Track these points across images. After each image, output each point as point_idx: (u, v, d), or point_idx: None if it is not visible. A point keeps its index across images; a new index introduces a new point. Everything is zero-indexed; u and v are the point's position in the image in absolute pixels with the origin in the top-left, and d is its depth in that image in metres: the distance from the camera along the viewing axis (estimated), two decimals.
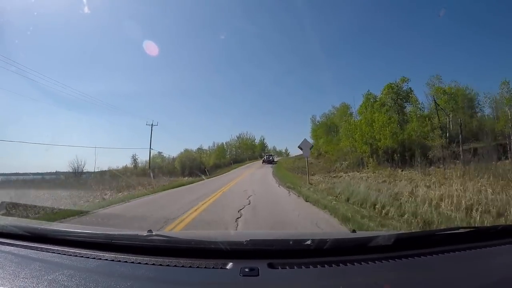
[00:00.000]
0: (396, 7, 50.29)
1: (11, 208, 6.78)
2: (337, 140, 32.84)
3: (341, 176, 18.71)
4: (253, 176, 20.96)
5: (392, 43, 55.25)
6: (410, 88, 27.50)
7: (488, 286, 0.99)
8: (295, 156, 47.06)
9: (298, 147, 15.78)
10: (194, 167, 32.66)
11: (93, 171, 26.27)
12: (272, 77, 78.30)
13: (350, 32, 57.10)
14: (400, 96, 27.45)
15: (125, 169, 31.97)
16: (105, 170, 26.73)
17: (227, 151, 57.01)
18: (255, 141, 65.97)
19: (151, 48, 44.85)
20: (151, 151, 33.40)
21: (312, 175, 21.15)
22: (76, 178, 22.90)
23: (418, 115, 26.12)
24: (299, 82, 76.89)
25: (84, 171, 25.45)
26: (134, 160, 35.23)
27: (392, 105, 27.16)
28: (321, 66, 62.27)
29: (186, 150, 39.42)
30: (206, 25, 63.29)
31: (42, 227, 1.72)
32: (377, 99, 28.28)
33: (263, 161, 38.95)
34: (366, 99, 29.17)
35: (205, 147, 52.26)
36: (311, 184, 14.06)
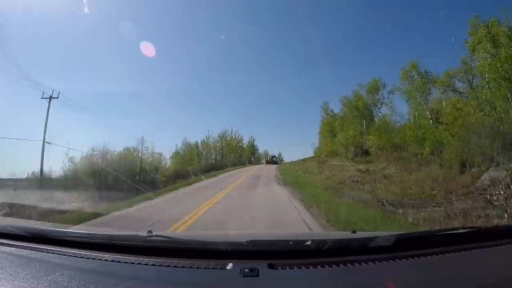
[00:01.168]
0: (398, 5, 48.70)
1: None
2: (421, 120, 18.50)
3: None
4: None
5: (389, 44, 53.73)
6: None
7: (488, 286, 0.99)
8: (296, 161, 41.04)
9: None
10: (120, 178, 15.50)
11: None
12: (265, 81, 72.91)
13: (344, 36, 54.49)
14: None
15: (31, 177, 16.63)
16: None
17: (203, 153, 43.13)
18: (243, 142, 51.68)
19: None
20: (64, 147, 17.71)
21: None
22: None
23: None
24: (293, 86, 73.78)
25: None
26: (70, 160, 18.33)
27: None
28: (317, 67, 60.13)
29: (126, 149, 20.82)
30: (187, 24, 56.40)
31: (42, 227, 1.72)
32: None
33: (267, 162, 38.65)
34: (485, 31, 13.97)
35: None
36: None
